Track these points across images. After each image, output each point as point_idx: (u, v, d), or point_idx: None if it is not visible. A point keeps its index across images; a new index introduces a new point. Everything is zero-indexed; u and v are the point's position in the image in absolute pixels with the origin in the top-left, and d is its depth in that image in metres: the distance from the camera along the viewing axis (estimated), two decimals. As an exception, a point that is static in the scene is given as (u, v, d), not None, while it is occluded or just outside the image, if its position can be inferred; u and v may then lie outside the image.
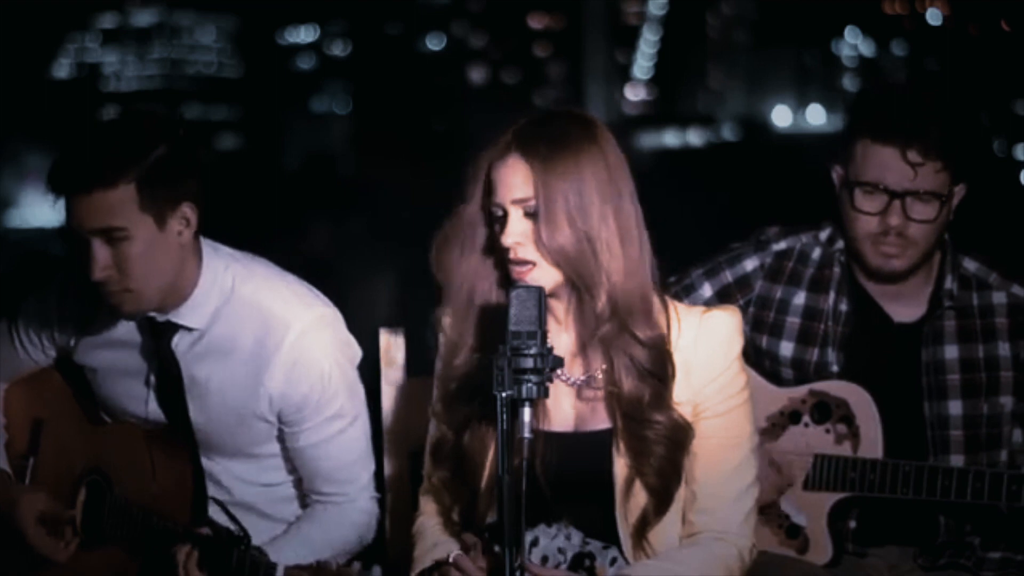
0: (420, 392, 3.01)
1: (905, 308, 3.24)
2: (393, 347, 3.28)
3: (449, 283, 2.75)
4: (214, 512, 2.98)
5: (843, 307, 3.25)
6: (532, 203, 2.66)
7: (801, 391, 3.23)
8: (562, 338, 2.72)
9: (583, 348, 2.74)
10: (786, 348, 3.26)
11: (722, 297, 3.29)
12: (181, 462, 3.02)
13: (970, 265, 3.24)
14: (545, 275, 2.67)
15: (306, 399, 3.01)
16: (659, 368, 2.67)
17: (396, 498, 3.23)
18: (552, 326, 2.65)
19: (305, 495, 3.13)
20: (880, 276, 3.20)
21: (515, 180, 2.67)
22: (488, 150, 2.72)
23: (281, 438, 3.09)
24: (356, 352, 3.09)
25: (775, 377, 3.26)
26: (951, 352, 3.21)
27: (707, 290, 3.32)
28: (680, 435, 2.69)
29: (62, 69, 23.41)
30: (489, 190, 2.70)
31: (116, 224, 2.85)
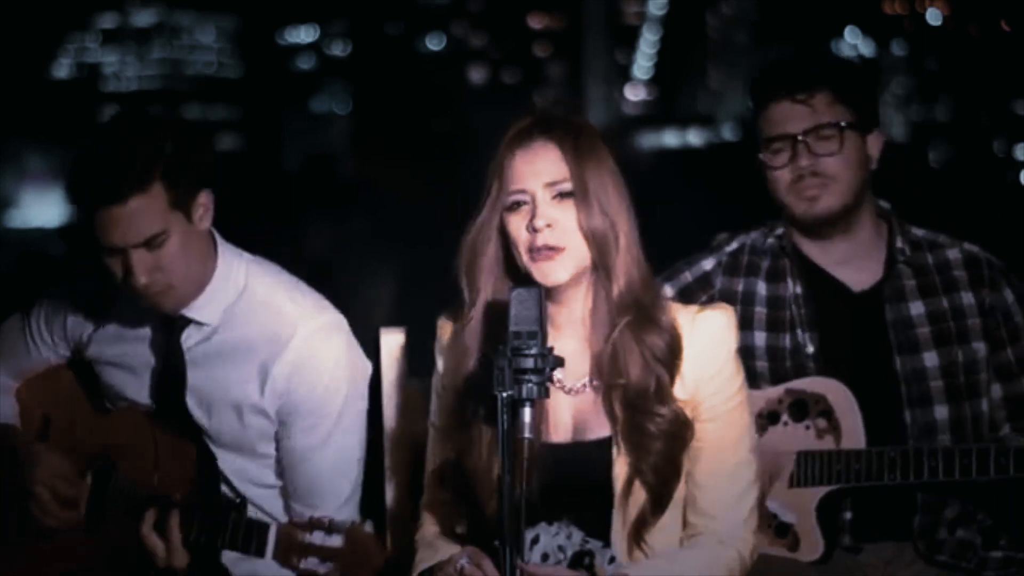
0: (420, 392, 3.02)
1: (861, 275, 3.31)
2: (393, 347, 3.28)
3: (472, 291, 2.74)
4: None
5: (799, 289, 3.30)
6: (566, 185, 2.67)
7: (777, 391, 3.25)
8: (561, 343, 2.71)
9: (585, 349, 2.74)
10: (759, 338, 3.29)
11: (684, 296, 3.31)
12: (185, 448, 3.04)
13: (918, 231, 3.36)
14: (570, 262, 2.67)
15: (304, 398, 3.03)
16: (669, 356, 2.69)
17: (396, 498, 3.23)
18: (552, 333, 2.64)
19: (287, 510, 3.14)
20: (817, 226, 3.27)
21: (545, 163, 2.68)
22: (501, 147, 2.71)
23: (276, 438, 3.11)
24: (365, 366, 3.11)
25: (749, 376, 3.26)
26: (917, 308, 3.27)
27: (667, 291, 3.34)
28: (681, 430, 2.69)
29: (62, 69, 23.40)
30: (504, 184, 2.69)
31: (155, 231, 2.88)
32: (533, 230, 2.66)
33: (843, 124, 3.23)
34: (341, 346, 3.05)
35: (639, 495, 2.68)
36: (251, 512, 3.03)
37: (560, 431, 2.72)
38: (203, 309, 3.03)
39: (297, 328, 3.02)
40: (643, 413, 2.67)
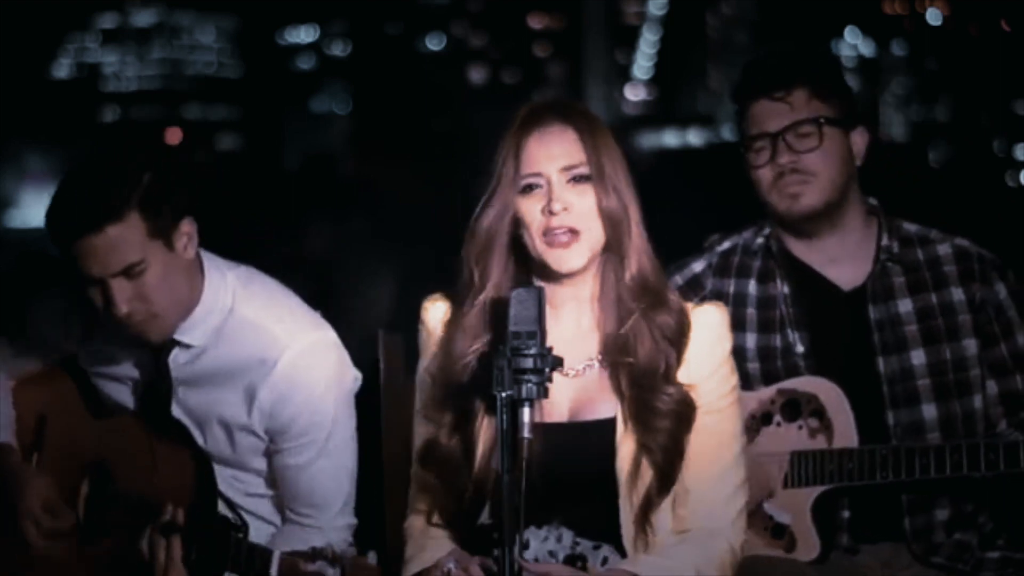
0: (420, 392, 3.01)
1: (851, 274, 3.31)
2: (393, 347, 3.28)
3: (483, 276, 2.74)
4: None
5: (787, 289, 3.30)
6: (583, 168, 2.68)
7: (769, 392, 3.25)
8: (560, 324, 2.72)
9: (589, 330, 2.74)
10: (751, 339, 3.30)
11: None
12: (181, 454, 3.05)
13: (910, 227, 3.35)
14: (586, 248, 2.68)
15: (293, 420, 3.04)
16: (678, 336, 2.71)
17: (394, 496, 3.23)
18: (549, 314, 2.63)
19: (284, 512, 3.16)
20: (801, 223, 3.27)
21: (561, 147, 2.70)
22: (513, 129, 2.72)
23: (267, 453, 3.12)
24: (353, 378, 3.11)
25: (742, 378, 3.26)
26: (905, 306, 3.27)
27: None
28: (687, 411, 2.70)
29: (62, 69, 23.38)
30: (519, 166, 2.70)
31: (133, 259, 2.89)
32: (550, 213, 2.68)
33: (822, 120, 3.23)
34: (329, 364, 3.06)
35: (646, 475, 2.69)
36: (249, 521, 3.04)
37: (556, 412, 2.72)
38: (191, 332, 3.03)
39: (284, 350, 3.02)
40: (651, 391, 2.68)
